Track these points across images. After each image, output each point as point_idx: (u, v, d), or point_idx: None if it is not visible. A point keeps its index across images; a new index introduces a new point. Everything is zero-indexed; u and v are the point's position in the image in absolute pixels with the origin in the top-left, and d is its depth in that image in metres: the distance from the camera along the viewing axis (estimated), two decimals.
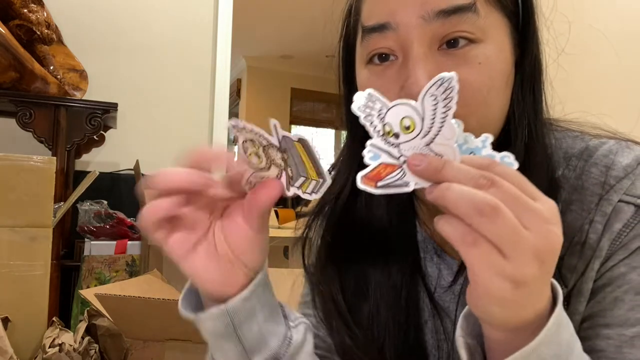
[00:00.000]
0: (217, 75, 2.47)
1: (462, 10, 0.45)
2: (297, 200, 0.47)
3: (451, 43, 0.46)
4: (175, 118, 2.38)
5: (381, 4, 0.48)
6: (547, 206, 0.34)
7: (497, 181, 0.34)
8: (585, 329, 0.47)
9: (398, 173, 0.38)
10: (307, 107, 6.82)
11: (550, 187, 0.48)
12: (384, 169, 0.38)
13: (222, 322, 0.44)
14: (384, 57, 0.49)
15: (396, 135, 0.38)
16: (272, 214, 1.84)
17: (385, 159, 0.38)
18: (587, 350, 0.45)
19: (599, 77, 1.88)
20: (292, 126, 6.86)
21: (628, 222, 0.45)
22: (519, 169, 0.49)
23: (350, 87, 0.57)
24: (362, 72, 0.51)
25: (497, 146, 0.50)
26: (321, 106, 6.69)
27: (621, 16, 1.90)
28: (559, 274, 0.47)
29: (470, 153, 0.38)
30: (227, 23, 2.50)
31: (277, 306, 0.49)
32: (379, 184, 0.38)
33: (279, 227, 1.73)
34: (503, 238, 0.32)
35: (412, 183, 0.37)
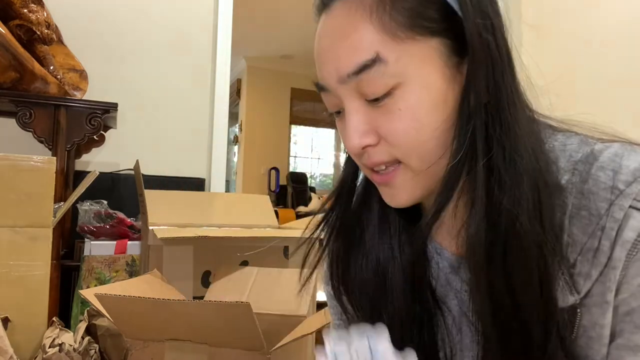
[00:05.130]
0: (217, 75, 2.46)
1: (368, 66, 0.47)
2: (297, 201, 0.48)
3: (374, 99, 0.49)
4: (175, 118, 2.38)
5: (318, 67, 0.53)
6: None
7: None
8: (612, 349, 0.46)
9: None
10: (307, 107, 6.81)
11: (549, 195, 0.47)
12: None
13: None
14: (337, 111, 0.54)
15: None
16: (272, 214, 1.84)
17: None
18: None
19: (577, 81, 1.90)
20: (292, 126, 6.85)
21: None
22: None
23: None
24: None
25: (455, 164, 0.49)
26: (321, 106, 6.65)
27: (605, 24, 1.91)
28: (571, 280, 0.46)
29: None
30: (227, 23, 2.50)
31: None
32: None
33: (279, 227, 1.73)
34: None
35: None
